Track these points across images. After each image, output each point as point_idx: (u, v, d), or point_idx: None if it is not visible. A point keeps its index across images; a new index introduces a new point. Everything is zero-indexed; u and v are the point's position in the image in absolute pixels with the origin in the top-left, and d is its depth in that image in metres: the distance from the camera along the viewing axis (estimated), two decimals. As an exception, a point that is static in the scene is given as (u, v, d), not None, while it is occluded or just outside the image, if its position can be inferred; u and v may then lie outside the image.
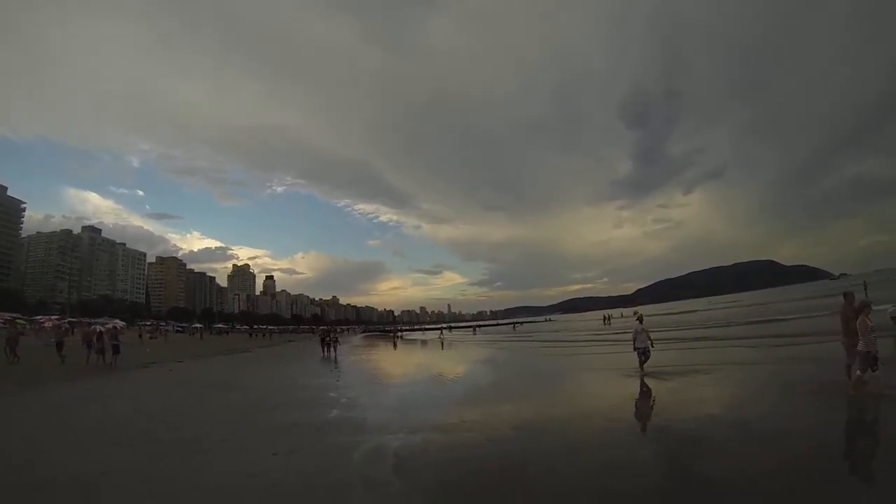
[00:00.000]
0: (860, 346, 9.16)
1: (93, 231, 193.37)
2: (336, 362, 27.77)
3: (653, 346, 15.35)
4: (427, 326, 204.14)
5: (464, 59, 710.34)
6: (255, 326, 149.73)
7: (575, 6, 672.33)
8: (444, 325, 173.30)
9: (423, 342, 58.68)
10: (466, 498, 5.81)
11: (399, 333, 74.43)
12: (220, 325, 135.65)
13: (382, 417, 10.78)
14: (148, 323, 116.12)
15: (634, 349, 15.13)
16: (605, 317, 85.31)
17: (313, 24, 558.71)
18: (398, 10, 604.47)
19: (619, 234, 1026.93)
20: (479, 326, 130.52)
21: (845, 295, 10.92)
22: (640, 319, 16.10)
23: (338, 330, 55.98)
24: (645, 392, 12.51)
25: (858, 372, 9.21)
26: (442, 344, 48.95)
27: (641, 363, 14.84)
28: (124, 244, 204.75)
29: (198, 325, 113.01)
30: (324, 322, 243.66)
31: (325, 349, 34.40)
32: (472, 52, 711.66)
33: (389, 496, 5.81)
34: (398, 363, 30.18)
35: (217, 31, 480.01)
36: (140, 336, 56.64)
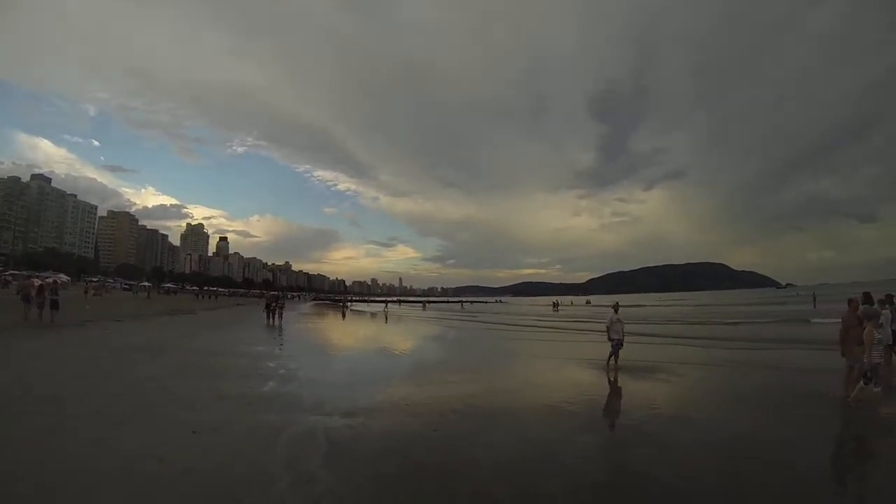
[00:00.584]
0: (865, 358, 8.70)
1: (42, 180, 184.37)
2: (280, 330, 26.55)
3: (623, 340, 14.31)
4: (377, 298, 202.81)
5: (434, 35, 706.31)
6: (206, 288, 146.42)
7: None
8: (392, 299, 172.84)
9: (372, 314, 57.32)
10: (406, 498, 4.93)
11: (347, 304, 72.30)
12: (168, 285, 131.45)
13: (320, 394, 9.81)
14: (94, 279, 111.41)
15: (609, 339, 14.05)
16: (553, 303, 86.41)
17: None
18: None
19: (576, 223, 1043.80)
20: (429, 302, 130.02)
21: (850, 301, 10.23)
22: (616, 309, 14.78)
23: (284, 296, 53.81)
24: (605, 386, 12.05)
25: (861, 384, 8.74)
26: (386, 317, 47.88)
27: (614, 355, 13.81)
28: (75, 196, 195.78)
29: (146, 284, 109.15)
30: (275, 287, 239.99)
31: (270, 316, 33.03)
32: (444, 29, 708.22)
33: (315, 496, 4.86)
34: (344, 334, 28.95)
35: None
36: (85, 292, 53.79)
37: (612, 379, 12.49)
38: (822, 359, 14.56)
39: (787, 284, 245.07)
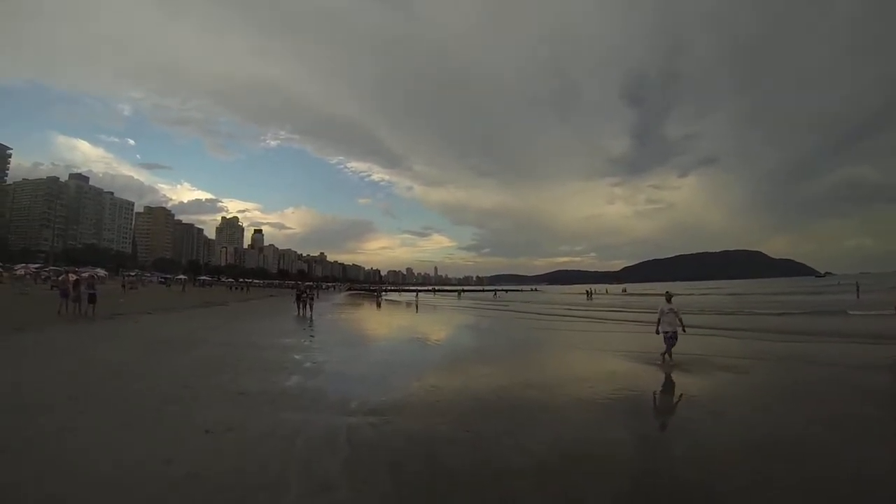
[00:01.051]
0: None
1: (80, 179, 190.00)
2: (311, 321, 26.03)
3: (683, 331, 12.93)
4: (412, 288, 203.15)
5: (464, 24, 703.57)
6: (239, 280, 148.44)
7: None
8: (427, 288, 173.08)
9: (407, 304, 56.79)
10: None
11: (382, 293, 71.62)
12: (204, 278, 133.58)
13: (346, 390, 9.28)
14: (132, 273, 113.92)
15: (659, 332, 12.80)
16: (587, 292, 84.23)
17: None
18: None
19: (610, 210, 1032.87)
20: (464, 291, 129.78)
21: None
22: (669, 298, 13.32)
23: (315, 286, 53.43)
24: (643, 380, 11.36)
25: None
26: (417, 306, 47.63)
27: (668, 350, 12.65)
28: (112, 193, 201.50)
29: (181, 277, 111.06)
30: (310, 278, 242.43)
31: (301, 307, 32.16)
32: (475, 20, 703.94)
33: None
34: (375, 325, 28.60)
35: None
36: (123, 286, 55.10)
37: (665, 374, 11.36)
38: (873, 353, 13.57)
39: (826, 273, 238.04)
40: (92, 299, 24.16)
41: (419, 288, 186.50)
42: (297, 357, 13.41)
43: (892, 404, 8.67)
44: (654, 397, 9.38)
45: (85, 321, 21.59)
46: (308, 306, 31.16)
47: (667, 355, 12.62)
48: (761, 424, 7.20)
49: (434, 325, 28.66)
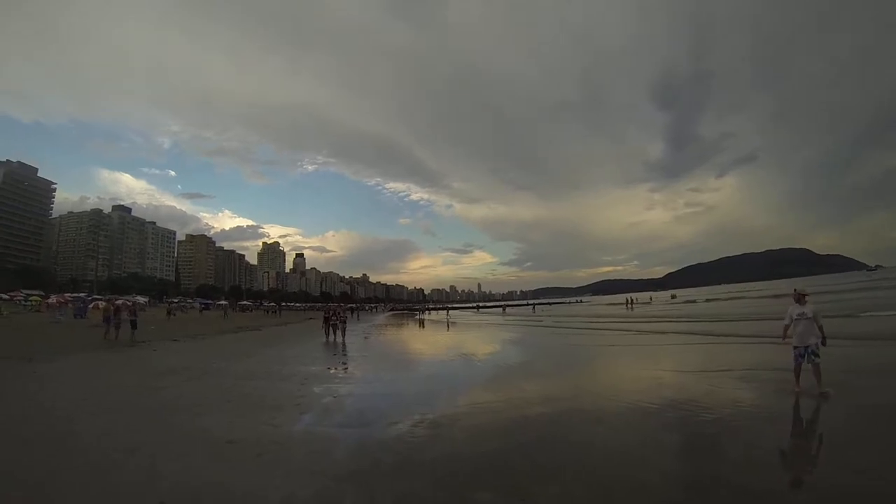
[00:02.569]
0: None
1: (122, 210, 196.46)
2: (343, 347, 23.45)
3: (824, 343, 8.92)
4: (456, 305, 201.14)
5: (491, 37, 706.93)
6: (272, 304, 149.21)
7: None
8: (471, 305, 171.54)
9: (452, 323, 53.92)
10: None
11: (424, 312, 68.78)
12: (245, 303, 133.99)
13: (363, 438, 7.26)
14: (175, 300, 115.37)
15: (792, 343, 9.29)
16: (627, 300, 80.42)
17: (339, 0, 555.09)
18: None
19: (649, 217, 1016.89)
20: (508, 306, 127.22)
21: None
22: (801, 297, 9.51)
23: (357, 307, 51.03)
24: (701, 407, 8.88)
25: None
26: (448, 325, 46.10)
27: (796, 370, 9.15)
28: (154, 223, 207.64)
29: (223, 303, 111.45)
30: (352, 300, 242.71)
31: (330, 332, 28.01)
32: (499, 31, 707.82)
33: None
34: (412, 347, 26.55)
35: (240, 8, 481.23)
36: (168, 313, 55.54)
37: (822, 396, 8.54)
38: None
39: (877, 266, 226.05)
40: (133, 325, 25.21)
41: (461, 305, 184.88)
42: (316, 390, 11.44)
43: None
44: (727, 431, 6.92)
45: (117, 347, 21.91)
46: (339, 330, 28.03)
47: (819, 380, 8.83)
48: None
49: (469, 344, 25.96)
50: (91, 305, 52.26)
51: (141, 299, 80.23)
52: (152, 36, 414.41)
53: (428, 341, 30.17)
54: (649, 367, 14.02)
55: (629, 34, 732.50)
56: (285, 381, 12.77)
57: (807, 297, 9.61)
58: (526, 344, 26.84)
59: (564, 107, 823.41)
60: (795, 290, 9.98)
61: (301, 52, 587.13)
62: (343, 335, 27.54)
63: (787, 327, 9.46)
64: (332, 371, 15.18)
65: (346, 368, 15.81)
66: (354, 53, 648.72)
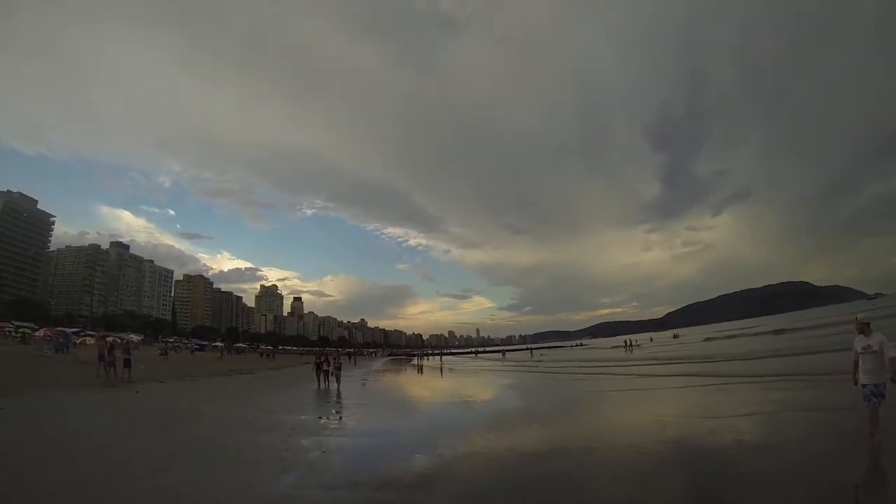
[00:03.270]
0: None
1: (121, 247, 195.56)
2: (338, 394, 21.82)
3: (893, 380, 7.31)
4: (455, 350, 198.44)
5: (488, 82, 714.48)
6: (281, 347, 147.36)
7: (599, 29, 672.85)
8: (469, 350, 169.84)
9: (450, 370, 52.18)
10: None
11: (423, 358, 65.86)
12: (240, 345, 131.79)
13: (353, 501, 6.09)
14: (170, 340, 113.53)
15: (857, 384, 7.77)
16: (626, 342, 76.53)
17: (339, 46, 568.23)
18: (426, 34, 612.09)
19: (647, 257, 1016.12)
20: (507, 351, 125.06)
21: None
22: (864, 328, 7.90)
23: (354, 352, 48.79)
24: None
25: None
26: (441, 371, 45.17)
27: (871, 417, 7.51)
28: (152, 261, 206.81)
29: (217, 344, 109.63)
30: (350, 344, 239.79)
31: (322, 379, 25.60)
32: (496, 76, 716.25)
33: None
34: (409, 396, 25.10)
35: (246, 52, 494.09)
36: (164, 353, 53.89)
37: (876, 448, 7.18)
38: None
39: (877, 294, 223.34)
40: (127, 364, 24.53)
41: (458, 350, 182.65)
42: (304, 443, 10.18)
43: None
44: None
45: (97, 387, 20.34)
46: (332, 377, 25.59)
47: (877, 423, 7.39)
48: None
49: (468, 391, 24.39)
50: (79, 341, 50.84)
51: (135, 337, 78.23)
52: (161, 77, 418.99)
53: (427, 387, 28.79)
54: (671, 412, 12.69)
55: (627, 76, 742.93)
56: (270, 432, 11.43)
57: (869, 329, 7.92)
58: (522, 389, 26.34)
59: (563, 150, 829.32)
60: (857, 318, 8.29)
61: (304, 99, 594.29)
62: (338, 382, 25.25)
63: (855, 364, 7.92)
64: (323, 421, 13.92)
65: (340, 418, 14.54)
66: (357, 100, 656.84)
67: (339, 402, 18.82)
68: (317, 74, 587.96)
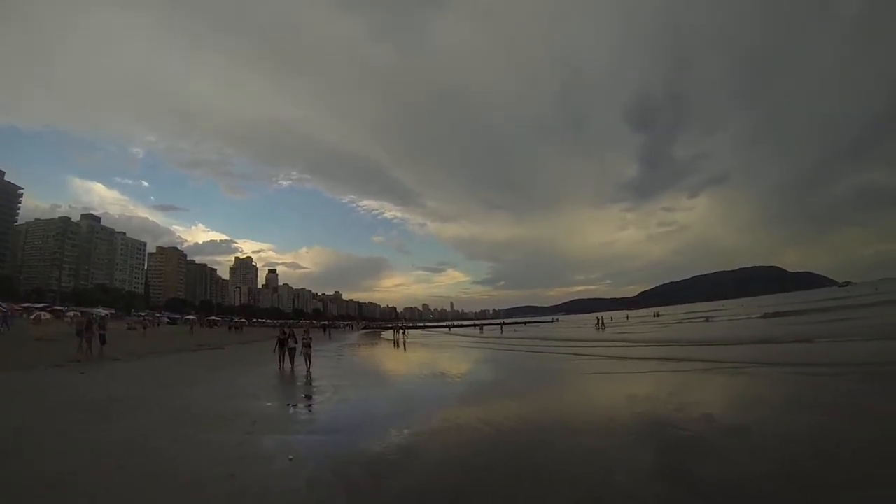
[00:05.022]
0: None
1: (92, 219, 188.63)
2: (309, 376, 18.26)
3: None
4: (430, 325, 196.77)
5: (470, 58, 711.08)
6: (255, 320, 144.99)
7: (581, 8, 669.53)
8: (443, 324, 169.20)
9: (424, 344, 49.53)
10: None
11: (399, 332, 61.31)
12: (213, 318, 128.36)
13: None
14: (143, 314, 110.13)
15: None
16: (598, 320, 73.74)
17: (322, 20, 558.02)
18: (406, 8, 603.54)
19: (622, 236, 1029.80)
20: (484, 325, 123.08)
21: None
22: None
23: (329, 325, 45.53)
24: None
25: None
26: (403, 344, 44.22)
27: None
28: (124, 233, 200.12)
29: (190, 317, 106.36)
30: (325, 317, 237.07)
31: (285, 359, 21.49)
32: (479, 52, 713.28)
33: None
34: (390, 373, 22.90)
35: (225, 23, 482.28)
36: (144, 328, 52.10)
37: None
38: None
39: (846, 282, 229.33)
40: (102, 340, 24.56)
41: (433, 325, 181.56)
42: (266, 443, 7.93)
43: None
44: None
45: (36, 368, 18.19)
46: (303, 358, 21.51)
47: None
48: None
49: (445, 365, 22.35)
50: (33, 317, 47.93)
51: (101, 311, 74.51)
52: (136, 48, 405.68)
53: (406, 362, 26.66)
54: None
55: (608, 56, 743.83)
56: (226, 428, 9.04)
57: None
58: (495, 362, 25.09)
59: (541, 127, 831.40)
60: None
61: (284, 72, 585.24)
62: (308, 363, 20.94)
63: None
64: (292, 410, 11.72)
65: (311, 406, 12.31)
66: (336, 74, 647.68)
67: (312, 386, 16.24)
68: (297, 47, 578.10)
